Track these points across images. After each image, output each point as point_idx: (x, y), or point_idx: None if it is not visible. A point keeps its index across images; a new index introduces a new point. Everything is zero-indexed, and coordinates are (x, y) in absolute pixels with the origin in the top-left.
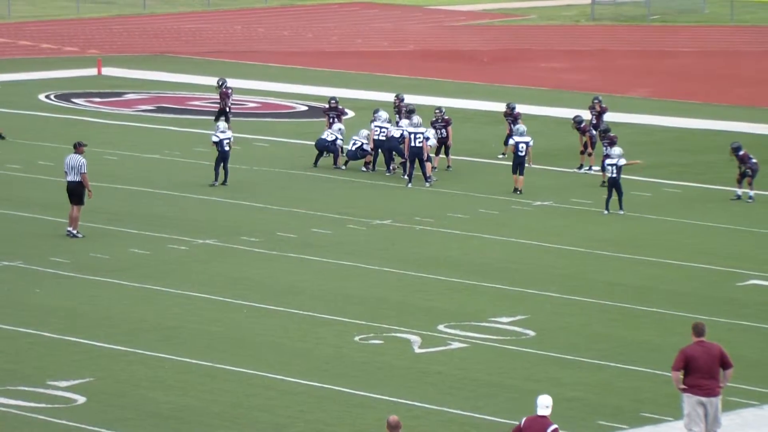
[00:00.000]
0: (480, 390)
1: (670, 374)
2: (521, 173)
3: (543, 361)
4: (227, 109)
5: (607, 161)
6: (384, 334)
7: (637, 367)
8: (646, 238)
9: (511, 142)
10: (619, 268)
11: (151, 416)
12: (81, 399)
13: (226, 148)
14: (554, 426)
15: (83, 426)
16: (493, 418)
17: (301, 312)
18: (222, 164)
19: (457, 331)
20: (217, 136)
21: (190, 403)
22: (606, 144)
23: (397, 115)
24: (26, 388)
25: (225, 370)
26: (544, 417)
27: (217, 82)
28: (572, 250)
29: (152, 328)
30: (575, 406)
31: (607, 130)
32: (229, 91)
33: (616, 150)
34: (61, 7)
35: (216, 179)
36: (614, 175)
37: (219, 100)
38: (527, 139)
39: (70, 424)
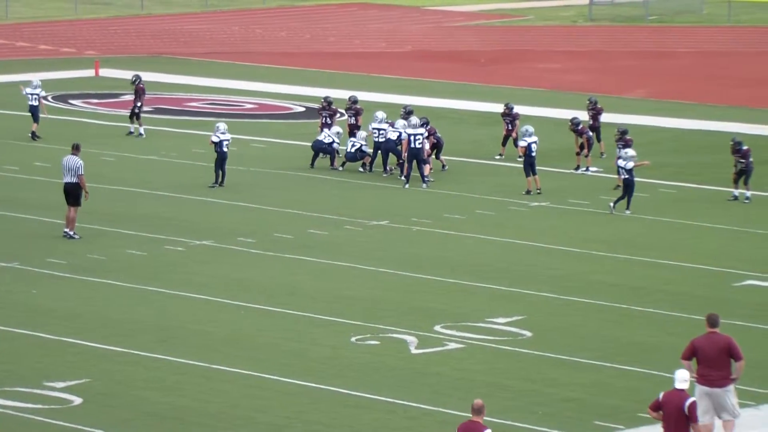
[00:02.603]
0: (476, 390)
1: (667, 374)
2: (535, 173)
3: (540, 362)
4: (140, 105)
5: (619, 162)
6: (380, 335)
7: (634, 368)
8: (642, 238)
9: (522, 143)
10: (615, 268)
11: (147, 417)
12: (78, 400)
13: (225, 149)
14: (692, 399)
15: (80, 427)
16: (489, 419)
17: (297, 312)
18: (220, 165)
19: (454, 332)
20: (218, 137)
21: (186, 403)
22: (621, 146)
23: (352, 118)
24: (23, 389)
25: (222, 370)
26: (682, 390)
27: (132, 78)
28: (569, 251)
29: (149, 329)
30: (572, 407)
31: (624, 132)
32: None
33: (629, 152)
34: (58, 8)
35: (216, 180)
36: (627, 176)
37: (134, 97)
38: (536, 138)
39: (67, 425)
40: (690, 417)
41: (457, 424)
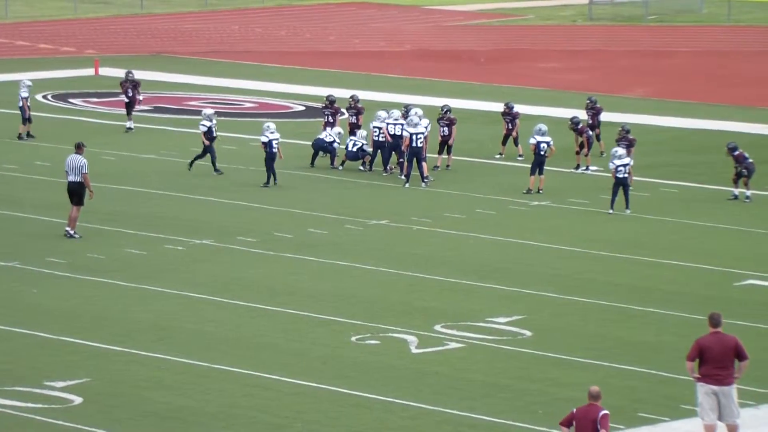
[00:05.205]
0: (476, 390)
1: (667, 374)
2: (541, 173)
3: (540, 362)
4: (131, 101)
5: (618, 162)
6: (381, 335)
7: (635, 367)
8: (643, 238)
9: (532, 141)
10: (616, 268)
11: (147, 416)
12: (77, 399)
13: (275, 149)
14: None
15: (80, 426)
16: (489, 419)
17: (297, 312)
18: (270, 165)
19: (454, 332)
20: (267, 137)
21: (186, 403)
22: (624, 145)
23: (353, 117)
24: (22, 389)
25: (221, 370)
26: None
27: (126, 75)
28: (569, 250)
29: (149, 329)
30: (572, 407)
31: (627, 131)
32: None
33: (618, 150)
34: (58, 7)
35: (268, 180)
36: (624, 176)
37: (131, 92)
38: (549, 138)
39: (67, 424)
40: None
41: (456, 423)
